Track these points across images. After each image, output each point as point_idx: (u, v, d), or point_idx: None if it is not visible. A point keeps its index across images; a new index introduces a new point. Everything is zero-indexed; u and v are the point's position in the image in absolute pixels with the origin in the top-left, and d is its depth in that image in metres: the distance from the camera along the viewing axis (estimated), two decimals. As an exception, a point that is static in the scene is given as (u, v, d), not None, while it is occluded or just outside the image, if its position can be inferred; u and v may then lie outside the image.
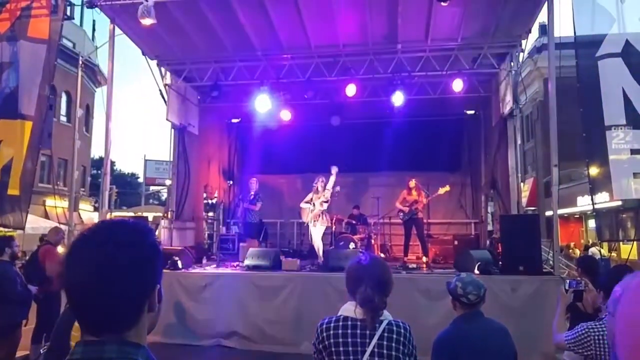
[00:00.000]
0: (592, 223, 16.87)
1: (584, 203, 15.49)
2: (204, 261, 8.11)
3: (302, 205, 8.33)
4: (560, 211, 7.02)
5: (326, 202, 8.06)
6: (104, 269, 0.86)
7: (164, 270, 6.84)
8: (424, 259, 8.72)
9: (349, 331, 1.86)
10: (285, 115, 9.70)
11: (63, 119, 21.24)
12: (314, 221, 8.04)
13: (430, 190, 9.12)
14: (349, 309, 1.90)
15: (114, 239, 0.89)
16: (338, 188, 8.15)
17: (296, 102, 9.56)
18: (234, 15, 7.32)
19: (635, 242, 6.13)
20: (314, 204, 8.05)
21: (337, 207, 9.18)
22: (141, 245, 0.91)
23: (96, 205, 24.19)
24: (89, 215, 23.67)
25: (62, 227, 8.17)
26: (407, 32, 7.72)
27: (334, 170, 8.17)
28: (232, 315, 6.42)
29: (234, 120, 11.73)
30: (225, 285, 6.55)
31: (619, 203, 6.12)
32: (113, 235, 0.90)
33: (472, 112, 10.66)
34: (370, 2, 6.97)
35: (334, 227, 8.99)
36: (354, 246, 8.27)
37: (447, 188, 8.93)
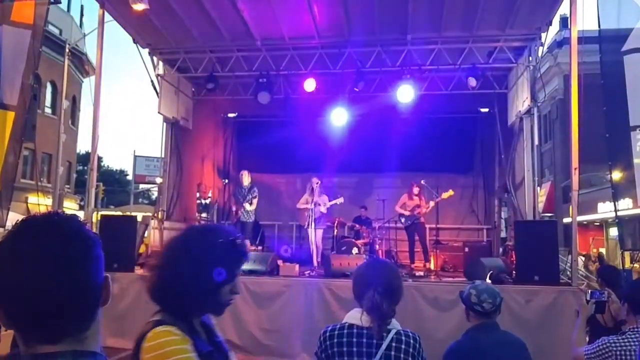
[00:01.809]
0: (613, 231, 16.82)
1: (605, 210, 15.44)
2: (196, 265, 8.09)
3: (299, 207, 8.35)
4: (580, 218, 6.99)
5: (325, 208, 8.07)
6: (51, 265, 0.81)
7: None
8: (431, 266, 8.72)
9: (354, 340, 1.85)
10: (285, 110, 9.70)
11: (48, 110, 21.30)
12: (312, 223, 8.03)
13: (439, 194, 9.10)
14: (355, 316, 1.89)
15: (51, 232, 0.85)
16: (341, 199, 8.18)
17: (297, 96, 9.56)
18: (232, 1, 7.32)
19: (660, 253, 6.10)
20: (312, 206, 8.04)
21: (339, 210, 9.17)
22: (82, 234, 0.88)
23: (82, 203, 24.21)
24: (73, 214, 23.71)
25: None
26: (418, 22, 7.70)
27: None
28: (226, 323, 6.38)
29: (231, 115, 11.73)
30: (218, 291, 6.54)
31: (645, 210, 6.10)
32: (49, 228, 0.86)
33: (486, 109, 10.63)
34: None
35: (336, 230, 8.98)
36: (357, 251, 8.27)
37: (451, 192, 8.91)
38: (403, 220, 8.87)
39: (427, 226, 9.49)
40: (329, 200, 8.28)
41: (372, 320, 1.84)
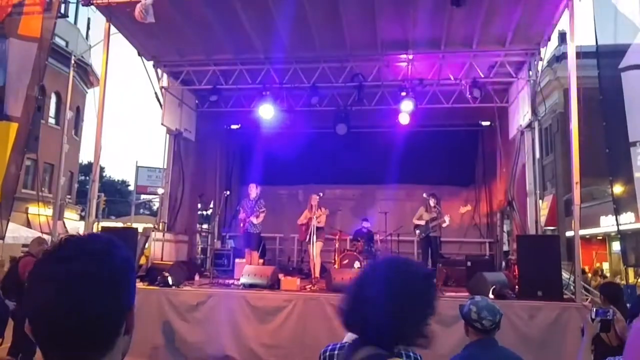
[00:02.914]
0: (616, 245, 16.73)
1: (607, 223, 15.38)
2: (197, 278, 8.06)
3: (299, 222, 8.33)
4: (582, 232, 6.97)
5: (320, 222, 8.05)
6: (76, 285, 0.82)
7: (153, 287, 6.83)
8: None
9: None
10: (288, 122, 9.74)
11: (52, 121, 21.38)
12: (312, 237, 7.99)
13: (442, 206, 9.06)
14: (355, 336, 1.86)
15: (84, 253, 0.86)
16: (327, 211, 8.17)
17: (300, 109, 9.61)
18: (236, 16, 7.39)
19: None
20: (311, 222, 8.02)
21: (341, 223, 9.14)
22: (114, 258, 0.88)
23: (83, 214, 24.20)
24: (74, 224, 23.65)
25: (45, 237, 8.17)
26: (419, 37, 7.77)
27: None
28: (226, 337, 6.35)
29: (234, 127, 11.78)
30: (218, 305, 6.50)
31: (646, 225, 6.09)
32: (83, 249, 0.87)
33: (487, 123, 10.67)
34: (381, 5, 7.04)
35: (337, 243, 8.94)
36: (359, 265, 8.22)
37: (469, 207, 8.84)
38: (418, 232, 8.81)
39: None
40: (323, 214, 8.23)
41: None
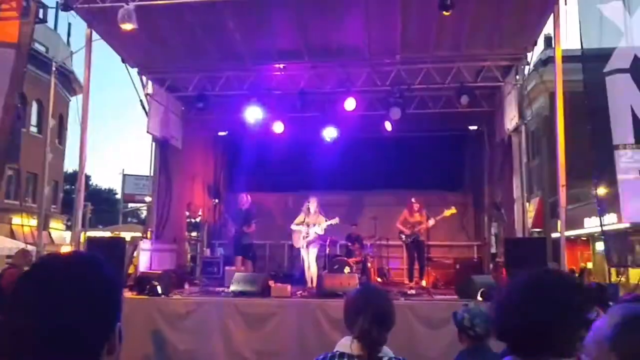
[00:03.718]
0: (599, 246, 17.01)
1: (591, 225, 15.63)
2: (186, 286, 8.04)
3: (294, 227, 8.32)
4: (567, 233, 7.12)
5: (322, 229, 8.06)
6: (53, 309, 0.81)
7: (142, 297, 6.78)
8: (423, 283, 8.76)
9: None
10: (277, 128, 9.78)
11: (33, 129, 21.09)
12: (307, 245, 7.99)
13: (430, 211, 9.17)
14: (345, 344, 1.87)
15: (63, 275, 0.85)
16: (337, 220, 8.16)
17: (288, 115, 9.65)
18: (223, 22, 7.42)
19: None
20: (307, 227, 8.01)
21: (331, 228, 9.18)
22: (95, 279, 0.88)
23: (69, 223, 23.87)
24: (60, 234, 23.36)
25: (30, 247, 8.08)
26: (406, 43, 7.88)
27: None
28: (216, 345, 6.34)
29: (221, 134, 11.77)
30: (208, 313, 6.49)
31: (628, 225, 6.24)
32: (62, 270, 0.86)
33: (474, 127, 10.82)
34: (368, 11, 7.13)
35: (328, 249, 8.97)
36: (349, 270, 8.26)
37: (453, 210, 8.95)
38: (404, 237, 8.90)
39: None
40: (325, 221, 8.22)
41: (362, 348, 1.82)
